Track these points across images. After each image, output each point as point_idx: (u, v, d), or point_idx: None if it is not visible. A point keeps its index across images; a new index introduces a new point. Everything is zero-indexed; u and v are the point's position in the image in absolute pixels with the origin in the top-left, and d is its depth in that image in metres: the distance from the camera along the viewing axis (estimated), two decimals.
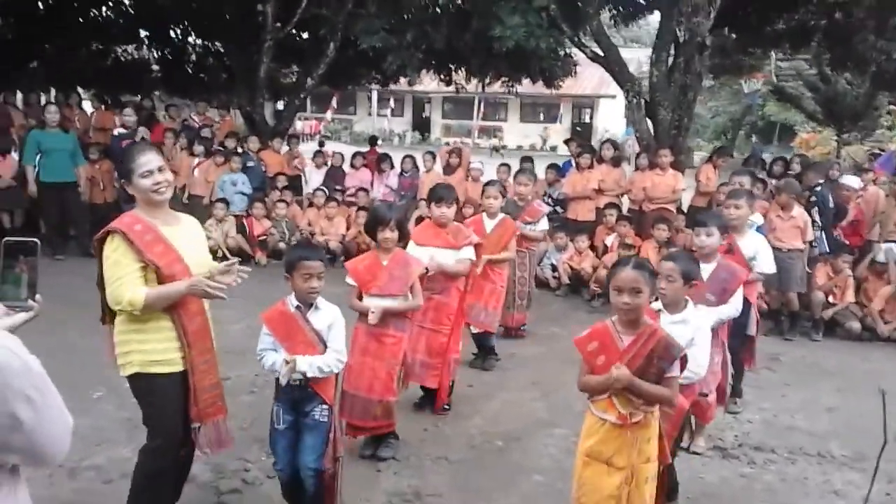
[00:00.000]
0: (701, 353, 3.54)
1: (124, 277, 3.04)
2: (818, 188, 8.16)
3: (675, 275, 3.55)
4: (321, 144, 16.33)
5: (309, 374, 3.36)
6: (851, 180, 8.96)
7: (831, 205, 8.10)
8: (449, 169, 10.68)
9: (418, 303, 4.32)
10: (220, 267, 3.19)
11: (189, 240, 3.26)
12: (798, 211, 7.33)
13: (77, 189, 9.45)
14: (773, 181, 9.37)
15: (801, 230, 7.25)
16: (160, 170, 3.20)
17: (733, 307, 4.35)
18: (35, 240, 2.13)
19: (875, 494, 4.21)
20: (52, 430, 1.45)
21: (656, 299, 3.52)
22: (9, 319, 1.97)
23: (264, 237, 10.01)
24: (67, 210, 9.25)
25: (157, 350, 3.14)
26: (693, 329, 3.53)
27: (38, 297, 2.06)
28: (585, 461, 3.05)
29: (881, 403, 5.13)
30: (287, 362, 3.34)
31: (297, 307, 3.47)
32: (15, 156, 9.89)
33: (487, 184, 6.42)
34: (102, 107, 12.42)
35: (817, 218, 7.84)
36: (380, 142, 16.19)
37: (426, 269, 4.49)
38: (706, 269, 4.24)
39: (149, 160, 3.18)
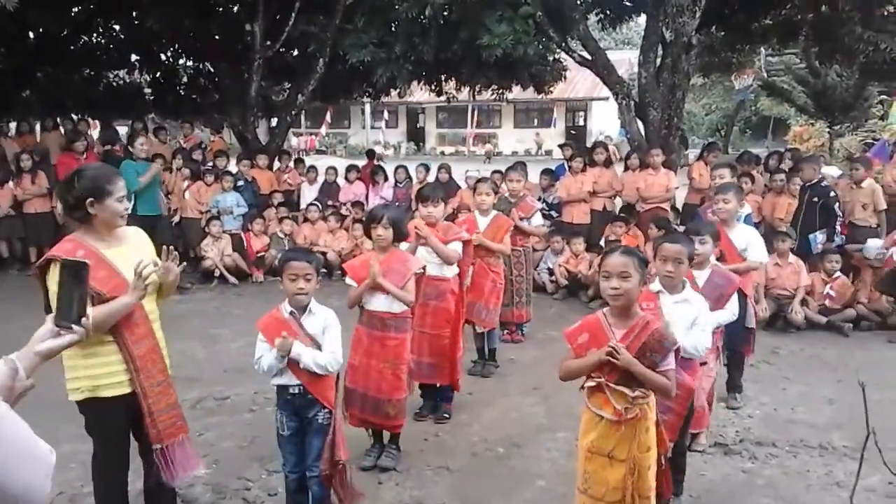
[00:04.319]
0: (703, 333, 3.59)
1: None
2: (823, 184, 8.23)
3: (683, 257, 3.62)
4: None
5: (305, 362, 3.37)
6: (830, 170, 9.17)
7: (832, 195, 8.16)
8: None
9: (411, 298, 4.29)
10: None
11: (134, 258, 3.15)
12: (794, 258, 7.71)
13: (163, 217, 9.66)
14: (769, 175, 9.40)
15: (798, 274, 7.66)
16: (128, 198, 3.27)
17: (730, 312, 4.25)
18: (86, 262, 2.13)
19: (879, 484, 4.23)
20: (18, 479, 1.36)
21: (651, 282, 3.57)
22: (54, 341, 1.96)
23: (262, 254, 10.02)
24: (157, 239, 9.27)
25: (104, 374, 3.13)
26: (696, 309, 3.59)
27: (85, 320, 2.04)
28: (588, 456, 3.08)
29: (880, 394, 5.19)
30: (284, 337, 3.34)
31: (291, 313, 3.49)
32: (10, 185, 9.94)
33: (479, 181, 6.41)
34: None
35: (838, 211, 8.08)
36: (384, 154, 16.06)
37: (423, 268, 4.48)
38: (700, 276, 4.20)
39: (123, 186, 3.21)
